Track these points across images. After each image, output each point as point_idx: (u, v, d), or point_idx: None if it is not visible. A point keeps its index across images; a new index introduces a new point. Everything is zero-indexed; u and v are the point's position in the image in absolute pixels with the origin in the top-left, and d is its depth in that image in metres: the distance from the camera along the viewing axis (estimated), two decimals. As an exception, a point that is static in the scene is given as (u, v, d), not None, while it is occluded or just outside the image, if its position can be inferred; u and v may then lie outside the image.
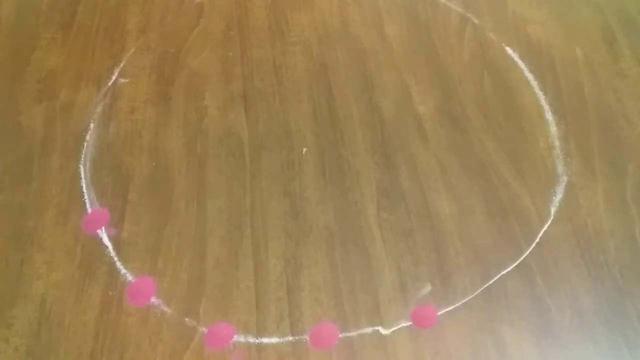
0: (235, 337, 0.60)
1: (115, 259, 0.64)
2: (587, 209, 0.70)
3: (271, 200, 0.69)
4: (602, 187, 0.71)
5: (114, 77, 0.79)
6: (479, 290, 0.64)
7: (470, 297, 0.63)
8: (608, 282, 0.64)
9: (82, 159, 0.72)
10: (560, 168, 0.73)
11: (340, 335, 0.60)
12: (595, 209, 0.70)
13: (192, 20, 0.86)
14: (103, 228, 0.66)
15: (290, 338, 0.60)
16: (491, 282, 0.64)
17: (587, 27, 0.87)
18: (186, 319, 0.61)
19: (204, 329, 0.60)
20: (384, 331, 0.61)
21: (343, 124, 0.76)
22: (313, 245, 0.66)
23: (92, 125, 0.74)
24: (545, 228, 0.68)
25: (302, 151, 0.73)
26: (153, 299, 0.62)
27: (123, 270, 0.64)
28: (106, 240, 0.66)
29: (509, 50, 0.84)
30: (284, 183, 0.70)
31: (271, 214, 0.68)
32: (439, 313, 0.62)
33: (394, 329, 0.61)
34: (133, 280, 0.63)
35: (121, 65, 0.80)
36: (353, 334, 0.61)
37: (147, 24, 0.85)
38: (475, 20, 0.87)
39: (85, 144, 0.73)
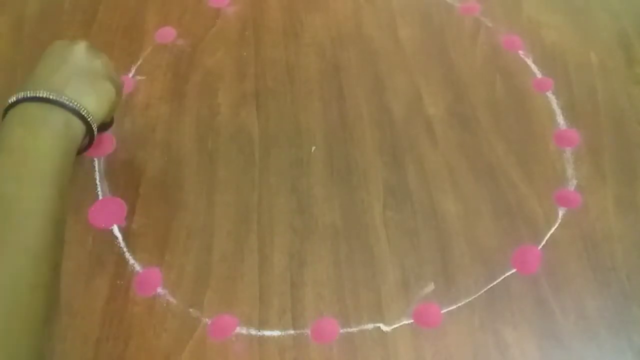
0: (238, 329, 0.61)
1: (125, 249, 0.66)
2: (596, 213, 0.69)
3: (278, 197, 0.70)
4: (612, 192, 0.71)
5: (130, 75, 0.81)
6: (482, 291, 0.64)
7: (474, 297, 0.63)
8: (615, 286, 0.64)
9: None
10: (569, 172, 0.72)
11: (341, 331, 0.61)
12: (604, 214, 0.69)
13: (209, 21, 0.88)
14: (114, 219, 0.68)
15: (292, 332, 0.61)
16: (495, 282, 0.64)
17: (602, 32, 0.87)
18: (190, 310, 0.62)
19: (207, 320, 0.61)
20: (385, 328, 0.61)
21: (352, 124, 0.76)
22: (318, 242, 0.67)
23: (107, 120, 0.76)
24: (552, 231, 0.68)
25: (311, 149, 0.74)
26: (159, 289, 0.63)
27: (131, 261, 0.65)
28: (116, 231, 0.67)
29: (522, 53, 0.84)
30: (291, 180, 0.71)
31: (278, 210, 0.69)
32: (442, 312, 0.62)
33: (395, 326, 0.61)
34: (140, 271, 0.65)
35: (138, 63, 0.83)
36: (354, 329, 0.61)
37: (165, 23, 0.87)
38: (489, 24, 0.87)
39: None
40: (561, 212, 0.69)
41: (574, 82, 0.81)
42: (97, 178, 0.71)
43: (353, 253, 0.66)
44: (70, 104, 0.55)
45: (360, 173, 0.72)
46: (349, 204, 0.70)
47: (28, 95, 0.54)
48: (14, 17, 0.87)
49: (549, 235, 0.67)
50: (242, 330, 0.61)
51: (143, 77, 0.81)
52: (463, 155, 0.74)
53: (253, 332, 0.61)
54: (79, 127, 0.56)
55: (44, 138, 0.52)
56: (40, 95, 0.54)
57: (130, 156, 0.73)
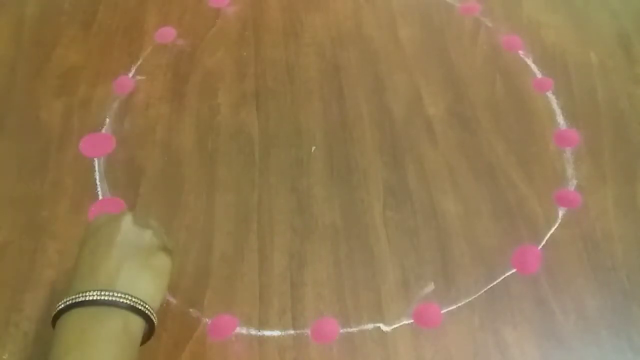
0: (238, 329, 0.61)
1: (125, 249, 0.66)
2: (596, 213, 0.69)
3: (278, 197, 0.70)
4: (612, 192, 0.71)
5: (131, 75, 0.81)
6: (482, 291, 0.63)
7: (474, 297, 0.63)
8: (614, 286, 0.64)
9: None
10: (570, 172, 0.72)
11: (341, 331, 0.61)
12: (604, 214, 0.69)
13: (209, 21, 0.88)
14: (114, 219, 0.68)
15: (292, 332, 0.61)
16: (495, 282, 0.64)
17: (602, 32, 0.87)
18: (191, 310, 0.62)
19: (207, 320, 0.61)
20: (385, 328, 0.61)
21: (353, 124, 0.76)
22: (318, 242, 0.67)
23: (107, 120, 0.76)
24: (552, 231, 0.68)
25: (311, 149, 0.74)
26: (159, 290, 0.63)
27: (131, 261, 0.65)
28: (116, 231, 0.67)
29: (522, 53, 0.84)
30: (291, 180, 0.71)
31: (278, 210, 0.69)
32: (442, 312, 0.62)
33: (395, 326, 0.61)
34: (141, 271, 0.64)
35: (138, 63, 0.83)
36: (354, 329, 0.61)
37: (165, 23, 0.87)
38: (489, 24, 0.87)
39: (100, 138, 0.75)
40: (561, 212, 0.69)
41: (574, 82, 0.81)
42: (97, 178, 0.71)
43: (353, 253, 0.66)
44: (126, 302, 0.46)
45: (360, 173, 0.72)
46: (349, 204, 0.70)
47: (77, 300, 0.46)
48: (14, 17, 0.87)
49: (549, 235, 0.67)
50: (242, 330, 0.61)
51: (143, 77, 0.81)
52: (463, 155, 0.74)
53: (253, 332, 0.61)
54: (138, 325, 0.47)
55: (102, 357, 0.45)
56: (90, 298, 0.46)
57: (130, 156, 0.73)
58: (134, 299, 0.47)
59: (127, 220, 0.51)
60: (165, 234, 0.55)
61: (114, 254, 0.49)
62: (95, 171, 0.72)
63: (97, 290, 0.46)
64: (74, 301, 0.46)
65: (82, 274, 0.48)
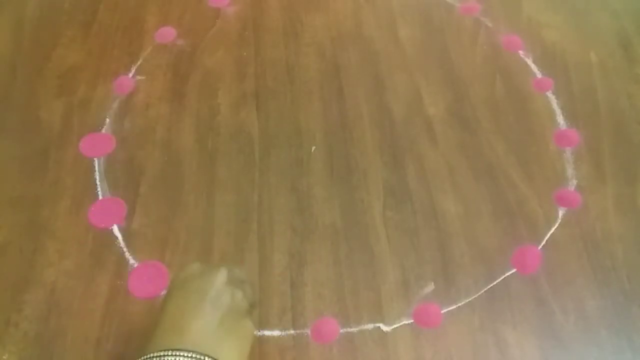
0: (238, 329, 0.61)
1: (125, 249, 0.66)
2: (596, 213, 0.69)
3: (278, 197, 0.70)
4: (612, 192, 0.71)
5: (131, 75, 0.81)
6: (482, 291, 0.64)
7: (474, 297, 0.63)
8: (614, 286, 0.64)
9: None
10: (570, 171, 0.72)
11: (341, 331, 0.61)
12: (604, 213, 0.69)
13: (209, 21, 0.88)
14: (114, 219, 0.68)
15: (292, 332, 0.61)
16: (495, 282, 0.64)
17: (602, 32, 0.87)
18: (190, 310, 0.62)
19: (207, 320, 0.61)
20: (385, 328, 0.61)
21: (353, 124, 0.76)
22: (318, 242, 0.67)
23: (107, 120, 0.76)
24: (552, 231, 0.68)
25: (311, 149, 0.74)
26: (159, 290, 0.63)
27: (131, 261, 0.65)
28: (116, 231, 0.67)
29: (522, 53, 0.84)
30: (292, 180, 0.71)
31: (278, 209, 0.69)
32: (442, 312, 0.62)
33: (395, 326, 0.61)
34: (141, 271, 0.64)
35: (138, 63, 0.83)
36: (354, 329, 0.61)
37: (165, 23, 0.87)
38: (489, 24, 0.87)
39: (100, 138, 0.75)
40: (561, 212, 0.69)
41: (574, 82, 0.81)
42: (97, 178, 0.71)
43: (353, 253, 0.66)
44: None
45: (360, 173, 0.72)
46: (349, 204, 0.69)
47: (161, 356, 0.42)
48: (14, 17, 0.87)
49: (549, 235, 0.67)
50: (242, 330, 0.61)
51: (143, 77, 0.81)
52: (463, 155, 0.74)
53: (253, 332, 0.61)
54: None
55: None
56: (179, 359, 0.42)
57: (130, 156, 0.73)
58: None
59: (221, 277, 0.48)
60: (253, 289, 0.53)
61: (203, 313, 0.45)
62: (95, 171, 0.72)
63: (186, 352, 0.42)
64: (160, 359, 0.42)
65: (167, 329, 0.45)
